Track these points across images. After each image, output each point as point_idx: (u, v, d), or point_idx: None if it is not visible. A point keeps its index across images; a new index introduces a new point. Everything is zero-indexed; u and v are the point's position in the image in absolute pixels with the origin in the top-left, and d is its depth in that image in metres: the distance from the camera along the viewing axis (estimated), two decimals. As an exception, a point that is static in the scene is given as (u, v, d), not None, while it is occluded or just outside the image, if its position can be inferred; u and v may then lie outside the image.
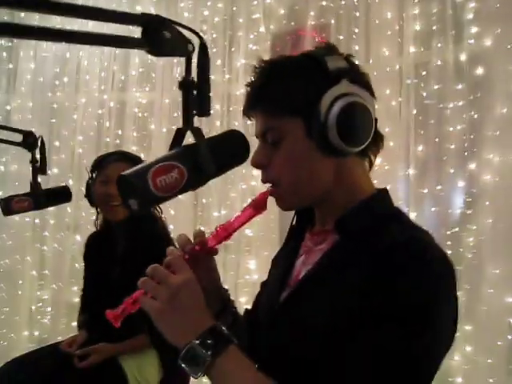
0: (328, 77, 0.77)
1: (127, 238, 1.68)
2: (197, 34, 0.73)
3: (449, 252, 1.89)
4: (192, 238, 0.83)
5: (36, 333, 2.72)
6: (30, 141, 1.47)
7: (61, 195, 1.51)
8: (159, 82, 2.59)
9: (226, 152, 0.76)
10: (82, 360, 1.51)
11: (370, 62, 2.07)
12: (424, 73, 2.00)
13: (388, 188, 1.97)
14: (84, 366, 1.49)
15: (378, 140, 0.84)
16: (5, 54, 2.78)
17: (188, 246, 0.81)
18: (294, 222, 0.96)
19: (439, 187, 1.94)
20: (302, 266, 0.86)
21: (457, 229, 1.91)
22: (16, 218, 2.68)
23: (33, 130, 2.65)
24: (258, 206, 0.84)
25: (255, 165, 0.83)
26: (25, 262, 2.71)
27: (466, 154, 1.91)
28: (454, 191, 1.94)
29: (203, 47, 0.76)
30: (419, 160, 1.98)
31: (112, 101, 2.64)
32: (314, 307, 0.77)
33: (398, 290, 0.68)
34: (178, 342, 0.70)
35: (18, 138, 1.46)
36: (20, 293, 2.70)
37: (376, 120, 0.82)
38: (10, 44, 2.79)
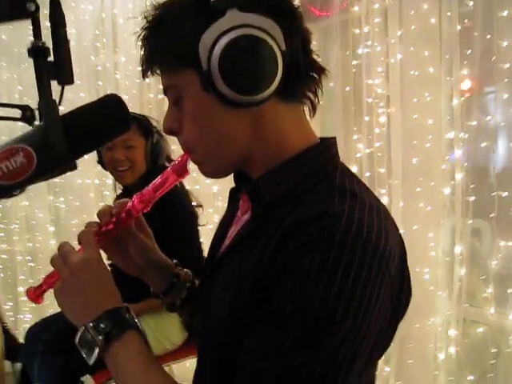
0: (211, 12, 0.60)
1: None
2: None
3: (505, 194, 1.61)
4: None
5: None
6: (27, 115, 1.50)
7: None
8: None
9: (87, 126, 0.66)
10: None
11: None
12: (469, -23, 1.63)
13: (431, 122, 1.69)
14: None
15: (307, 75, 0.66)
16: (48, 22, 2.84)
17: (104, 218, 0.75)
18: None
19: (489, 118, 1.62)
20: (229, 238, 0.76)
21: (514, 166, 1.60)
22: (79, 180, 2.85)
23: (82, 94, 2.75)
24: (180, 169, 0.74)
25: (166, 131, 0.72)
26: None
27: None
28: (510, 121, 1.60)
29: (53, 3, 0.66)
30: (465, 86, 1.66)
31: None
32: (218, 292, 0.67)
33: (294, 282, 0.55)
34: (76, 323, 0.67)
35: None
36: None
37: (300, 48, 0.64)
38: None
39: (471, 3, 1.63)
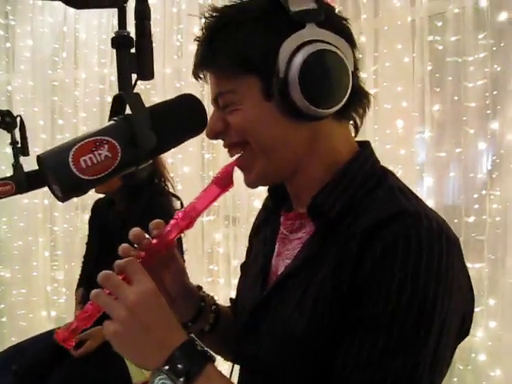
0: (289, 22, 0.61)
1: (121, 209, 1.62)
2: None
3: (470, 220, 1.74)
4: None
5: (53, 313, 2.74)
6: (8, 121, 1.39)
7: (45, 177, 1.42)
8: (160, 51, 2.45)
9: (172, 122, 0.64)
10: (78, 347, 1.46)
11: (380, 15, 1.88)
12: (440, 24, 1.80)
13: (402, 152, 1.79)
14: (80, 353, 1.44)
15: (361, 98, 0.69)
16: (1, 32, 2.70)
17: (144, 240, 0.68)
18: (268, 202, 0.84)
19: (459, 150, 1.77)
20: (278, 259, 0.74)
21: (478, 195, 1.75)
22: (25, 200, 2.66)
23: (35, 109, 2.61)
24: (223, 181, 0.70)
25: (211, 134, 0.69)
26: (38, 243, 2.70)
27: (487, 112, 1.72)
28: (476, 153, 1.76)
29: (140, -5, 0.64)
30: (436, 121, 1.80)
31: (112, 75, 2.54)
32: (292, 314, 0.64)
33: (390, 283, 0.55)
34: (144, 367, 0.61)
35: None
36: (35, 274, 2.70)
37: (356, 73, 0.67)
38: (6, 22, 2.71)
39: (441, 47, 1.80)
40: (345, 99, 0.63)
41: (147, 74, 0.64)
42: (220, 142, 2.43)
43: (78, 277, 2.62)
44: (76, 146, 0.57)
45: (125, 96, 0.61)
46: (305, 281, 0.64)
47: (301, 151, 0.67)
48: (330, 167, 0.68)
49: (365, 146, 0.71)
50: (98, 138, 0.58)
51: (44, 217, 2.70)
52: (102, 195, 1.88)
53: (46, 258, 2.72)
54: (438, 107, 1.80)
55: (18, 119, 1.41)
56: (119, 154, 0.58)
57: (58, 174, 0.55)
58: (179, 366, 0.57)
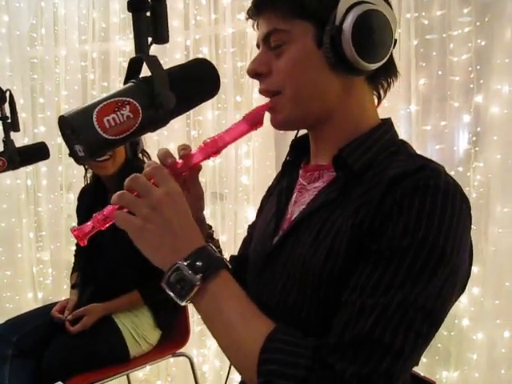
0: None
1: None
2: None
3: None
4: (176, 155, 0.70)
5: (40, 294, 2.72)
6: (-8, 97, 1.36)
7: (37, 153, 1.40)
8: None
9: (189, 84, 0.65)
10: (75, 324, 1.46)
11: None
12: (425, -2, 1.83)
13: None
14: (77, 330, 1.45)
15: (391, 69, 0.74)
16: (-25, 6, 2.60)
17: (169, 159, 0.68)
18: (288, 157, 0.86)
19: (443, 123, 1.82)
20: (295, 206, 0.78)
21: (462, 167, 1.81)
22: (8, 180, 2.61)
23: (14, 87, 2.54)
24: (254, 120, 0.72)
25: (253, 72, 0.73)
26: (22, 225, 2.66)
27: (471, 86, 1.77)
28: (460, 127, 1.81)
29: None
30: (421, 95, 1.84)
31: (94, 51, 2.49)
32: (309, 250, 0.68)
33: (407, 221, 0.59)
34: (162, 263, 0.61)
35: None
36: (20, 256, 2.67)
37: (395, 43, 0.72)
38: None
39: (426, 22, 1.83)
40: (385, 59, 0.69)
41: (162, 37, 0.65)
42: (205, 118, 2.42)
43: (64, 257, 2.60)
44: (99, 107, 0.57)
45: (144, 58, 0.62)
46: (320, 222, 0.68)
47: (332, 104, 0.72)
48: (356, 126, 0.73)
49: (387, 120, 0.77)
50: (120, 98, 0.59)
51: (27, 197, 2.65)
52: (83, 184, 1.85)
53: (31, 239, 2.68)
54: (424, 81, 1.83)
55: (8, 94, 1.38)
56: (140, 115, 0.59)
57: (83, 133, 0.56)
58: (198, 263, 0.60)
